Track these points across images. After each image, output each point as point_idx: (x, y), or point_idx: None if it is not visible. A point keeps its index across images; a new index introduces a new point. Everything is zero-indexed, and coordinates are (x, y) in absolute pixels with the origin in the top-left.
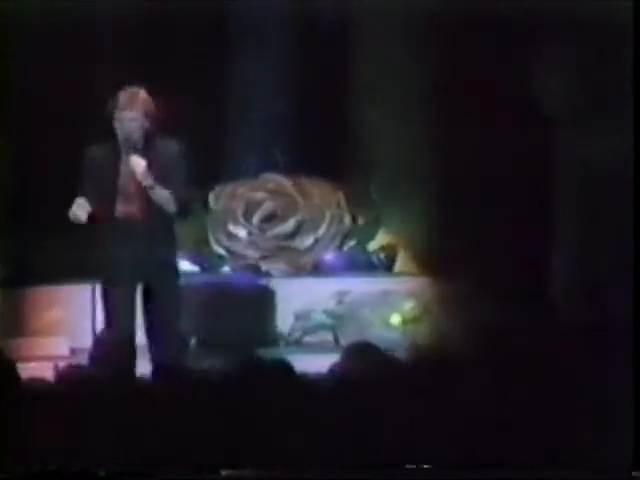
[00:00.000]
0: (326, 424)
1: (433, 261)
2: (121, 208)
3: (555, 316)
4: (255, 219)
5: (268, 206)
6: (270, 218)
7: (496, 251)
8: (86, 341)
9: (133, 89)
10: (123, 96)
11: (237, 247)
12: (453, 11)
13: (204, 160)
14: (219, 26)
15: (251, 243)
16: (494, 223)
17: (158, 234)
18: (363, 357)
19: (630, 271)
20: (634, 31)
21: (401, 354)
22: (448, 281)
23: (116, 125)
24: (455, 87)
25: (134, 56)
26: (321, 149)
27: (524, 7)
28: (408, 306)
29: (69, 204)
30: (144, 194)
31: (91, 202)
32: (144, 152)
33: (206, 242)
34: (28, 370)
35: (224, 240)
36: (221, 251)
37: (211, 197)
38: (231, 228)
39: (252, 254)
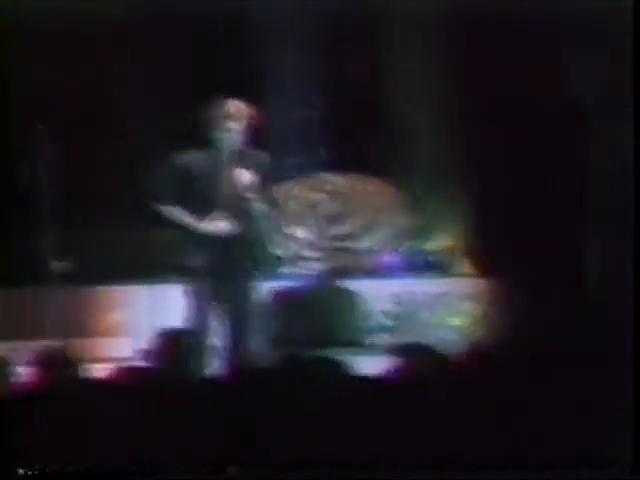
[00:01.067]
0: (384, 425)
1: (491, 262)
2: (213, 216)
3: (599, 315)
4: (313, 220)
5: (326, 207)
6: (328, 219)
7: (553, 252)
8: (149, 342)
9: (236, 102)
10: (230, 107)
11: (295, 249)
12: (492, 11)
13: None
14: (271, 27)
15: (309, 245)
16: (550, 223)
17: (250, 246)
18: (420, 358)
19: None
20: (634, 31)
21: (459, 355)
22: (506, 282)
23: (220, 135)
24: (500, 86)
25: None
26: (379, 149)
27: (523, 7)
28: (466, 307)
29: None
30: (237, 204)
31: (185, 209)
32: (242, 163)
33: (264, 243)
34: (91, 371)
35: (282, 242)
36: (279, 253)
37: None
38: (289, 230)
39: (310, 256)
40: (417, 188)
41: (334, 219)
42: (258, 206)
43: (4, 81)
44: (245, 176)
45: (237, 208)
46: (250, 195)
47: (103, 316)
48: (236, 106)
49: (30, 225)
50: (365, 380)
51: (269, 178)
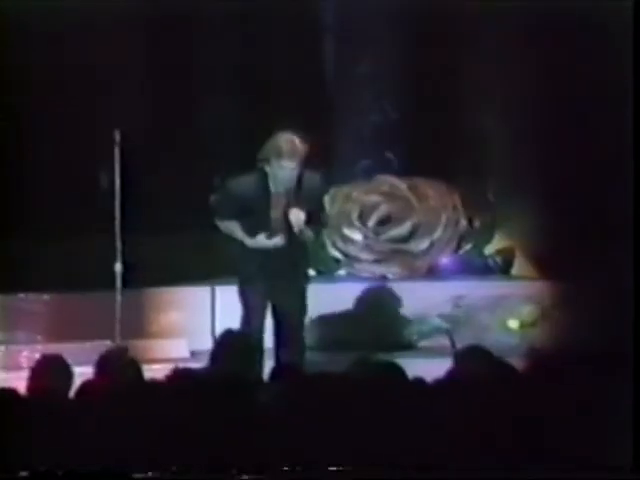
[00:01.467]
0: (439, 428)
1: (551, 264)
2: (264, 237)
3: None
4: (370, 222)
5: (383, 209)
6: (385, 221)
7: (613, 253)
8: (205, 343)
9: (291, 137)
10: (285, 144)
11: (352, 250)
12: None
13: (320, 163)
14: (330, 27)
15: (366, 246)
16: (611, 225)
17: (299, 261)
18: (477, 362)
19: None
20: (634, 31)
21: (519, 359)
22: (566, 284)
23: (275, 171)
24: (565, 87)
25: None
26: (436, 150)
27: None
28: (526, 310)
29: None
30: (286, 229)
31: (240, 225)
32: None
33: (322, 245)
34: (149, 372)
35: (339, 243)
36: (337, 254)
37: (326, 200)
38: (346, 231)
39: (367, 257)
40: (477, 189)
41: (392, 221)
42: (307, 234)
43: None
44: (300, 218)
45: (286, 232)
46: (306, 233)
47: (162, 317)
48: (291, 143)
49: (91, 227)
50: (422, 384)
51: (322, 198)
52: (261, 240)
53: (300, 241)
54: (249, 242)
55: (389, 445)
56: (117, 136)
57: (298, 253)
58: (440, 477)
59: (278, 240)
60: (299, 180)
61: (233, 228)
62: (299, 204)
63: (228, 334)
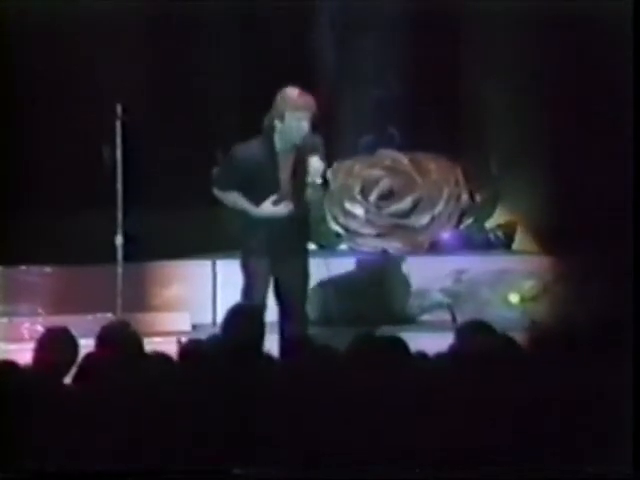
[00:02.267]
0: (441, 403)
1: (553, 239)
2: (270, 203)
3: None
4: (372, 197)
5: (385, 184)
6: (387, 196)
7: (617, 228)
8: (207, 317)
9: (299, 90)
10: (296, 98)
11: (354, 225)
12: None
13: (321, 137)
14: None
15: (368, 221)
16: (616, 199)
17: (301, 227)
18: (479, 336)
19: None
20: (634, 31)
21: (520, 333)
22: (568, 259)
23: (290, 124)
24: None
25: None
26: (438, 125)
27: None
28: (527, 285)
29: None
30: (296, 191)
31: (244, 194)
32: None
33: (323, 220)
34: (151, 345)
35: (341, 218)
36: (338, 229)
37: (328, 174)
38: (348, 206)
39: (368, 232)
40: (479, 164)
41: (394, 196)
42: (317, 193)
43: None
44: (321, 166)
45: (294, 194)
46: (319, 181)
47: (163, 290)
48: (302, 97)
49: (92, 200)
50: (422, 357)
51: (323, 157)
52: (267, 207)
53: (304, 211)
54: (255, 211)
55: (392, 419)
56: (119, 110)
57: (301, 225)
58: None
59: (285, 207)
60: (307, 140)
61: (236, 199)
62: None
63: (236, 307)
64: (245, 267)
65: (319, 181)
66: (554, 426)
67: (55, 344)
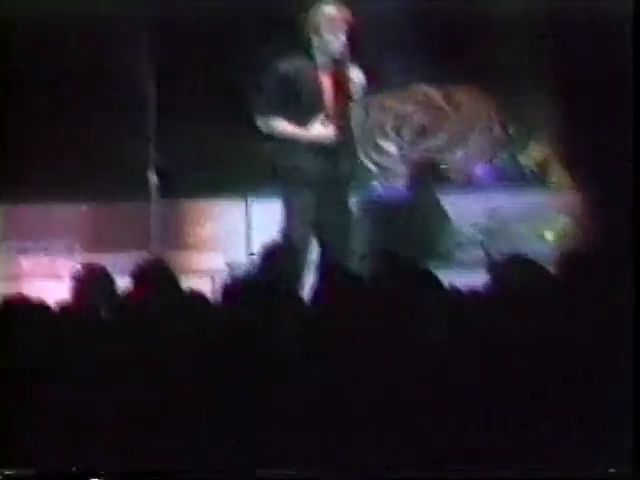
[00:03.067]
0: (478, 341)
1: (587, 174)
2: (318, 126)
3: None
4: (405, 133)
5: (418, 119)
6: (420, 132)
7: None
8: (240, 256)
9: (334, 5)
10: (331, 9)
11: (387, 161)
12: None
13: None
14: None
15: (401, 157)
16: None
17: (341, 151)
18: (518, 271)
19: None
20: (634, 31)
21: (554, 268)
22: (601, 195)
23: (327, 39)
24: None
25: None
26: (471, 58)
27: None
28: (561, 220)
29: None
30: (338, 112)
31: (286, 117)
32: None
33: (356, 155)
34: (186, 283)
35: (373, 154)
36: (371, 166)
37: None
38: (381, 142)
39: (401, 169)
40: (513, 97)
41: (426, 131)
42: (359, 110)
43: None
44: (360, 76)
45: (340, 114)
46: (358, 96)
47: (197, 229)
48: (338, 9)
49: (126, 137)
50: (456, 294)
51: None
52: (317, 129)
53: (349, 136)
54: (304, 135)
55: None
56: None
57: (348, 153)
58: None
59: (332, 130)
60: (344, 58)
61: (281, 125)
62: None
63: (270, 246)
64: (284, 204)
65: (359, 97)
66: (554, 426)
67: (92, 280)
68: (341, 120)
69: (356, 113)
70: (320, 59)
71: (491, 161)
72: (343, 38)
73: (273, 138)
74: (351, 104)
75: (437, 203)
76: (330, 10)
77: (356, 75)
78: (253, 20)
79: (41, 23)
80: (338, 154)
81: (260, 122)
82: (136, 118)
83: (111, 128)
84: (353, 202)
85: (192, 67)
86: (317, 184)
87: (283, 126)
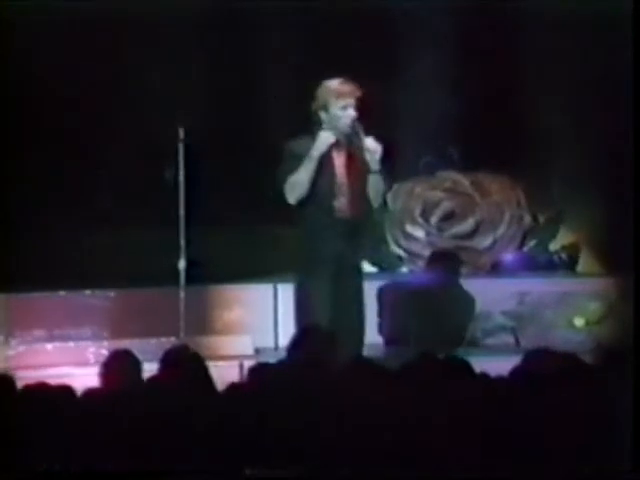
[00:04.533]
0: (506, 426)
1: (618, 260)
2: (335, 203)
3: None
4: (433, 219)
5: (446, 206)
6: (448, 218)
7: None
8: (269, 340)
9: (345, 80)
10: (337, 84)
11: (415, 247)
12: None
13: (382, 158)
14: (395, 25)
15: (429, 243)
16: None
17: (357, 231)
18: (544, 359)
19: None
20: (634, 31)
21: (586, 356)
22: (634, 280)
23: (336, 113)
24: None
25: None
26: (499, 145)
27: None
28: (592, 307)
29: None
30: (354, 188)
31: (307, 198)
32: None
33: (385, 242)
34: (214, 369)
35: (402, 240)
36: (399, 251)
37: (389, 196)
38: (409, 228)
39: (429, 254)
40: (542, 184)
41: (455, 217)
42: (377, 181)
43: None
44: (378, 148)
45: (352, 190)
46: (376, 167)
47: (225, 314)
48: (344, 84)
49: (155, 224)
50: (486, 380)
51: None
52: (335, 205)
53: (365, 213)
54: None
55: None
56: (181, 133)
57: (359, 233)
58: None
59: (345, 208)
60: (356, 131)
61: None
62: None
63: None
64: (303, 287)
65: (376, 166)
66: (554, 426)
67: (119, 367)
68: (355, 195)
69: (374, 183)
70: (342, 131)
71: (521, 248)
72: (352, 111)
73: (298, 223)
74: (368, 175)
75: (464, 289)
76: (335, 85)
77: (371, 144)
78: (283, 117)
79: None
80: (356, 230)
81: (290, 199)
82: (165, 205)
83: (140, 214)
84: (377, 288)
85: (222, 160)
86: (336, 268)
87: (302, 184)
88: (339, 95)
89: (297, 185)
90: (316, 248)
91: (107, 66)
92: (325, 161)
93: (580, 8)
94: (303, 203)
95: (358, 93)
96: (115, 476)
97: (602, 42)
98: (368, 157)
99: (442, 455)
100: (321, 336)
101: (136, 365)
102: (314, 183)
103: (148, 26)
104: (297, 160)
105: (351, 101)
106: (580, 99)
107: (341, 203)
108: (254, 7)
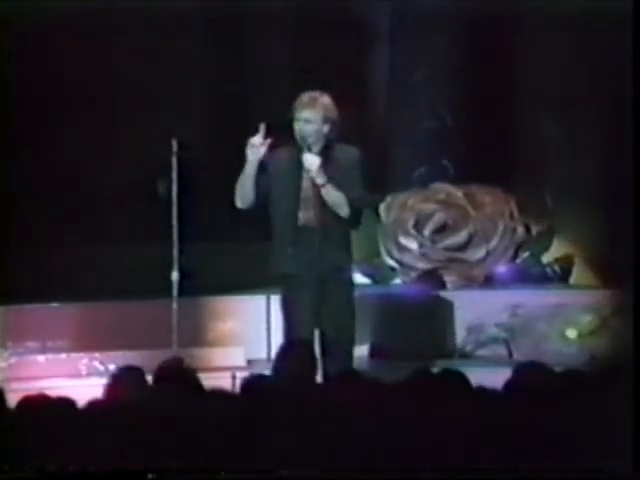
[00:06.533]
0: (500, 436)
1: (611, 272)
2: (300, 214)
3: None
4: (426, 231)
5: (439, 217)
6: (441, 230)
7: None
8: (261, 352)
9: (315, 93)
10: (304, 97)
11: (408, 259)
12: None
13: (375, 170)
14: (390, 38)
15: (422, 255)
16: None
17: (334, 242)
18: (536, 371)
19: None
20: (634, 30)
21: (578, 369)
22: (627, 293)
23: (295, 126)
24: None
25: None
26: (492, 158)
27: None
28: (585, 319)
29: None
30: (321, 199)
31: (274, 207)
32: (322, 155)
33: (377, 254)
34: (207, 380)
35: (395, 252)
36: (392, 263)
37: (382, 208)
38: (402, 240)
39: (423, 266)
40: (535, 196)
41: (448, 229)
42: (332, 193)
43: None
44: (314, 162)
45: (317, 202)
46: (320, 181)
47: (218, 325)
48: (312, 97)
49: (148, 237)
50: (481, 391)
51: (357, 172)
52: (291, 211)
53: (342, 232)
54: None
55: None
56: (174, 145)
57: (340, 247)
58: None
59: (310, 216)
60: (332, 150)
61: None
62: (332, 173)
63: (285, 342)
64: (285, 299)
65: (319, 180)
66: (554, 425)
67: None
68: (321, 205)
69: (326, 195)
70: (301, 144)
71: (514, 260)
72: (303, 125)
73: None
74: (328, 186)
75: (458, 301)
76: (302, 97)
77: (308, 158)
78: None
79: None
80: (328, 239)
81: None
82: (158, 217)
83: (133, 227)
84: (369, 300)
85: (215, 172)
86: (308, 278)
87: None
88: (300, 107)
89: (239, 188)
90: (284, 258)
91: (100, 82)
92: (292, 172)
93: (580, 9)
94: (272, 214)
95: (330, 109)
96: None
97: (601, 43)
98: (312, 173)
99: (434, 466)
100: (298, 348)
101: (141, 379)
102: (281, 194)
103: (141, 40)
104: (269, 177)
105: (314, 114)
106: (573, 111)
107: (308, 213)
108: (251, 23)
